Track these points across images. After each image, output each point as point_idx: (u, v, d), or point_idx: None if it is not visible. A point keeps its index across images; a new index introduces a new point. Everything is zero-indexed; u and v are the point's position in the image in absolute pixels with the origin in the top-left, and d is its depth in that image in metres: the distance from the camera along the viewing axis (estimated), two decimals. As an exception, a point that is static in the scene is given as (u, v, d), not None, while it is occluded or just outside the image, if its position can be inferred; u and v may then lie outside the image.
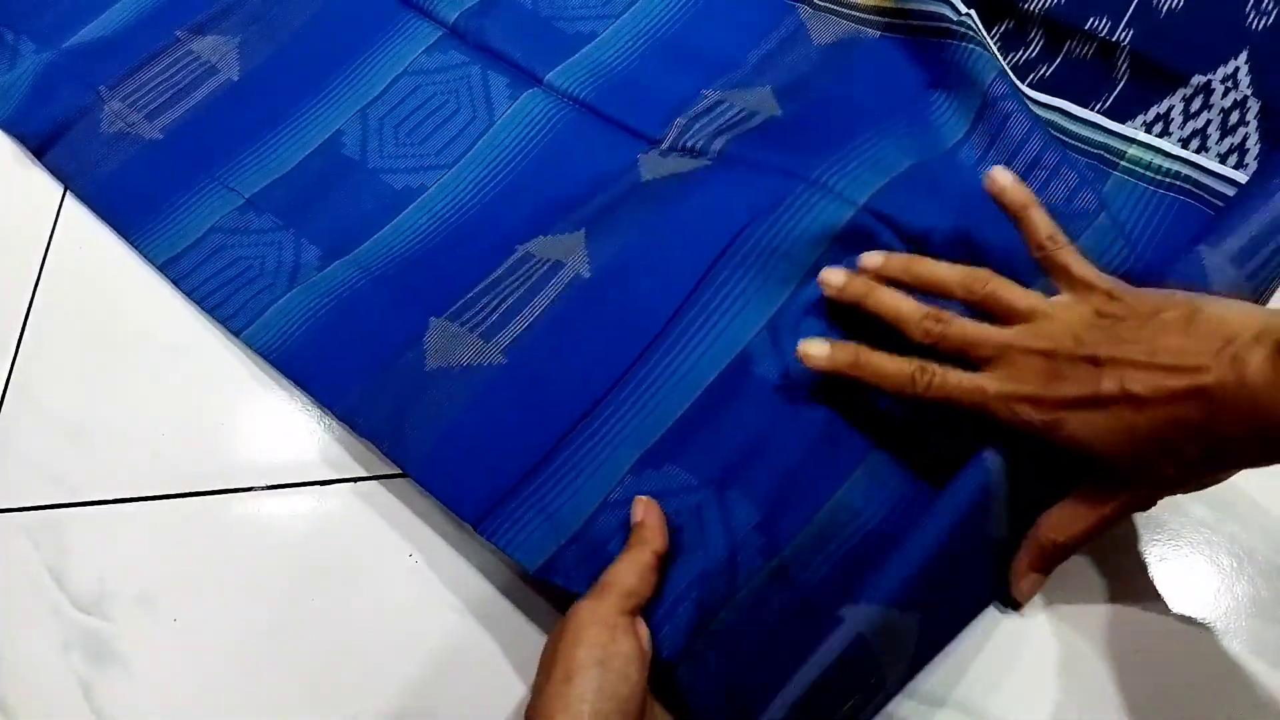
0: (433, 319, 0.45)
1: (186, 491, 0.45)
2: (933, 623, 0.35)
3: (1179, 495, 0.34)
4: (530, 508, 0.39)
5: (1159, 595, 0.37)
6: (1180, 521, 0.38)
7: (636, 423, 0.41)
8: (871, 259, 0.40)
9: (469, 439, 0.41)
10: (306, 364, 0.46)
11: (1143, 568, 0.38)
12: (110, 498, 0.45)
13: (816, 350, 0.38)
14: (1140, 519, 0.39)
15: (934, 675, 0.36)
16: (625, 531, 0.38)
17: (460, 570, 0.41)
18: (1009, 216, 0.38)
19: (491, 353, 0.44)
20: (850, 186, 0.43)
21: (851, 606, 0.33)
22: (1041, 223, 0.37)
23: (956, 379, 0.35)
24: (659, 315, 0.43)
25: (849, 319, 0.41)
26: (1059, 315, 0.35)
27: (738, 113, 0.50)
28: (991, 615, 0.37)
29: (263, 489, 0.44)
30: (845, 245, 0.43)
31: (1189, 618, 0.37)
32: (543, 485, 0.40)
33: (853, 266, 0.41)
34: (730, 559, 0.36)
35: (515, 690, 0.38)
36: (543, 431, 0.41)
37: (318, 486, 0.44)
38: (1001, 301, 0.36)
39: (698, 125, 0.50)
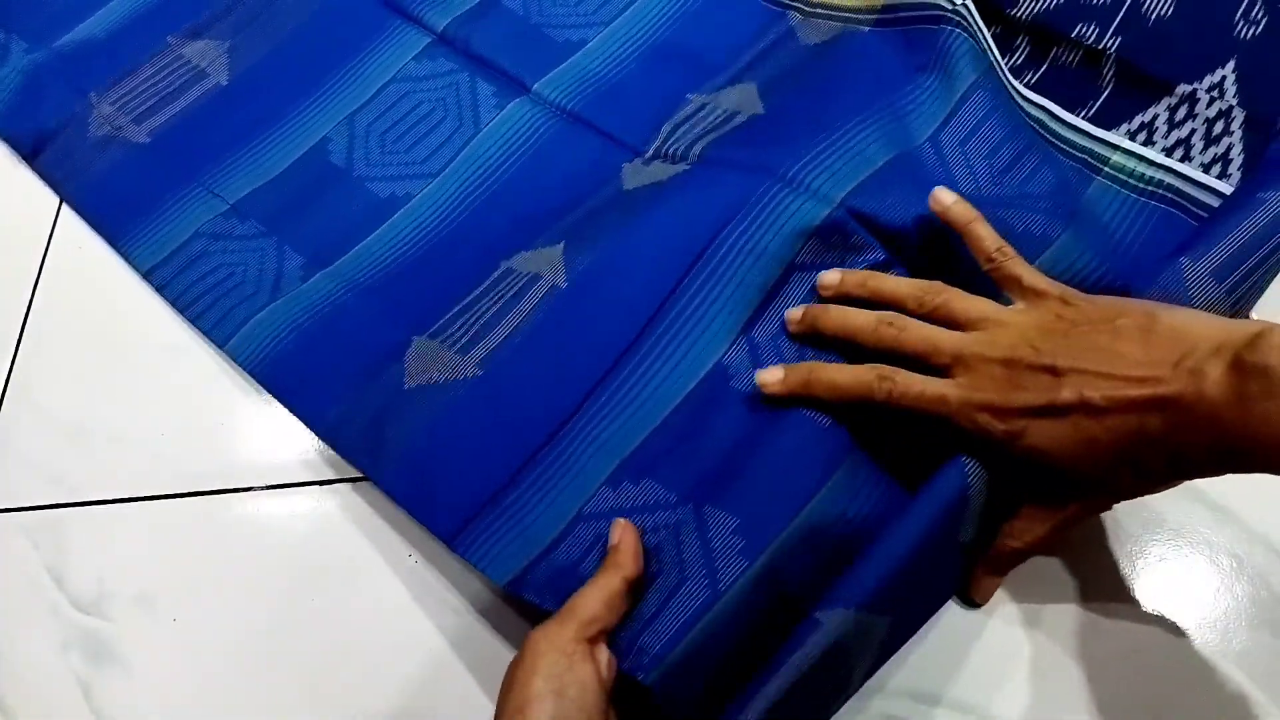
0: (415, 337, 0.45)
1: (186, 491, 0.45)
2: (900, 622, 0.36)
3: (1177, 494, 0.35)
4: (504, 521, 0.39)
5: (1158, 595, 0.38)
6: (1180, 521, 0.39)
7: (611, 432, 0.40)
8: (829, 277, 0.40)
9: (443, 454, 0.41)
10: (288, 381, 0.46)
11: (1142, 568, 0.38)
12: (110, 498, 0.45)
13: (770, 377, 0.38)
14: (1140, 519, 0.39)
15: (931, 674, 0.37)
16: (600, 547, 0.37)
17: (460, 570, 0.41)
18: (956, 233, 0.39)
19: (467, 366, 0.43)
20: (827, 183, 0.43)
21: (828, 610, 0.33)
22: (988, 237, 0.38)
23: (920, 386, 0.35)
24: (634, 322, 0.42)
25: (822, 337, 0.40)
26: (1014, 322, 0.35)
27: (720, 114, 0.50)
28: (990, 615, 0.38)
29: (262, 489, 0.45)
30: (821, 242, 0.42)
31: (1188, 618, 0.37)
32: (517, 499, 0.39)
33: (827, 265, 0.41)
34: (709, 575, 0.35)
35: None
36: (517, 445, 0.41)
37: (317, 486, 0.44)
38: (955, 312, 0.36)
39: (681, 131, 0.50)
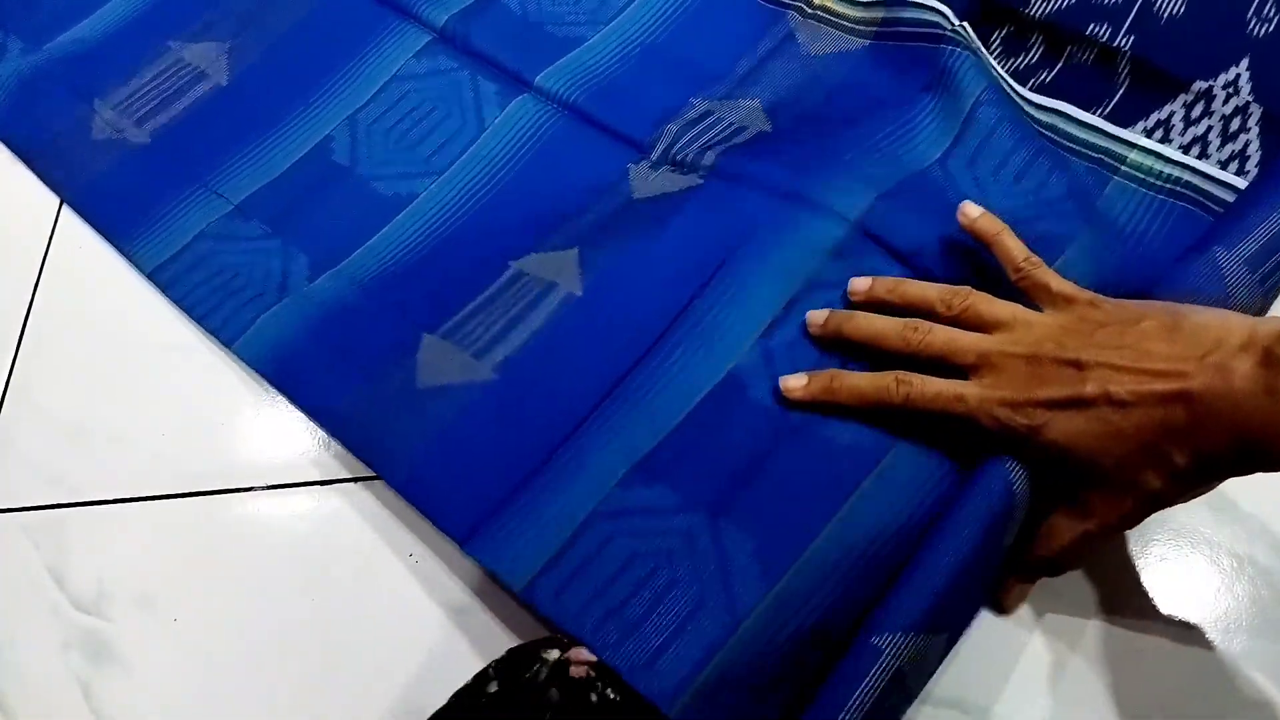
0: (425, 335, 0.45)
1: (186, 491, 0.45)
2: (955, 634, 0.36)
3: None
4: (516, 522, 0.38)
5: (1159, 596, 0.37)
6: (1181, 521, 0.39)
7: (625, 436, 0.40)
8: (859, 284, 0.41)
9: (457, 456, 0.41)
10: (296, 378, 0.45)
11: (1142, 567, 0.38)
12: (110, 498, 0.45)
13: (795, 383, 0.39)
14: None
15: (935, 676, 0.36)
16: (612, 550, 0.37)
17: (461, 570, 0.41)
18: (984, 245, 0.39)
19: (483, 370, 0.43)
20: (842, 201, 0.43)
21: (885, 635, 0.32)
22: (1015, 247, 0.38)
23: (937, 387, 0.35)
24: (651, 331, 0.42)
25: (842, 345, 0.40)
26: (1040, 321, 0.36)
27: (727, 126, 0.50)
28: (992, 618, 0.38)
29: (263, 489, 0.44)
30: (836, 261, 0.42)
31: (1189, 618, 0.37)
32: (530, 501, 0.39)
33: (843, 282, 0.41)
34: (728, 599, 0.35)
35: (515, 692, 0.38)
36: (532, 448, 0.40)
37: (318, 486, 0.44)
38: (983, 315, 0.37)
39: (688, 136, 0.49)
